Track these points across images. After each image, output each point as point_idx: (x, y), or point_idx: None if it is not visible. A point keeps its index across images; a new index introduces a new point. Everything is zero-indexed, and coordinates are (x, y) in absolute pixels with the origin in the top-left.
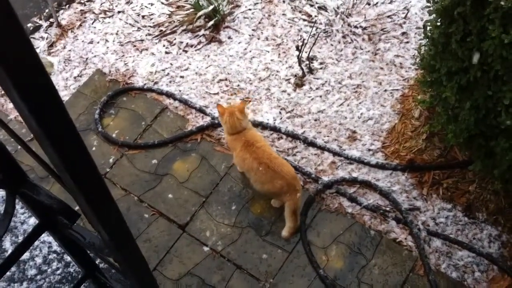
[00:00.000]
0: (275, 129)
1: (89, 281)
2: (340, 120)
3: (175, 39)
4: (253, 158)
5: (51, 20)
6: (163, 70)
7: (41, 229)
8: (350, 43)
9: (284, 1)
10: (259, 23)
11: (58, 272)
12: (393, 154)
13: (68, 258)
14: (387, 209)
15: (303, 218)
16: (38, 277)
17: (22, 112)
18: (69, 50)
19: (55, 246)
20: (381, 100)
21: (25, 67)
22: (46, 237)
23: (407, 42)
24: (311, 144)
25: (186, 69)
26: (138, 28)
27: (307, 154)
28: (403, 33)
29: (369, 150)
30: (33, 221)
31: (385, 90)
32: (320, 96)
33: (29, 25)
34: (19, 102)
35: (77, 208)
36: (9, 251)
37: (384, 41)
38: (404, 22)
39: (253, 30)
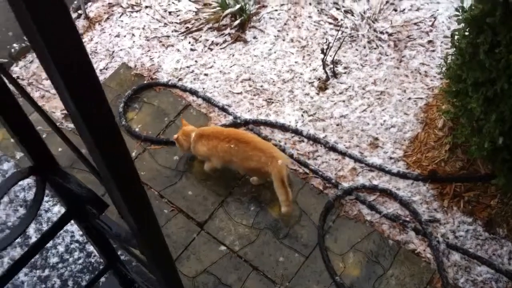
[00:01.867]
0: (296, 132)
1: (109, 272)
2: (363, 126)
3: (200, 36)
4: (220, 141)
5: (79, 12)
6: (187, 67)
7: (68, 218)
8: (375, 48)
9: (310, 4)
10: (285, 24)
11: (80, 261)
12: (415, 164)
13: (90, 248)
14: (407, 219)
15: (321, 223)
16: (60, 265)
17: (67, 105)
18: (96, 43)
19: (78, 235)
20: (405, 108)
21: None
22: (69, 226)
23: (433, 51)
24: (332, 149)
25: (211, 67)
26: (165, 24)
27: (328, 158)
28: (429, 41)
29: (391, 158)
30: (57, 209)
31: (409, 98)
32: (343, 101)
33: None
34: (64, 92)
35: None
36: (33, 238)
37: (409, 48)
38: (431, 30)
39: (278, 31)
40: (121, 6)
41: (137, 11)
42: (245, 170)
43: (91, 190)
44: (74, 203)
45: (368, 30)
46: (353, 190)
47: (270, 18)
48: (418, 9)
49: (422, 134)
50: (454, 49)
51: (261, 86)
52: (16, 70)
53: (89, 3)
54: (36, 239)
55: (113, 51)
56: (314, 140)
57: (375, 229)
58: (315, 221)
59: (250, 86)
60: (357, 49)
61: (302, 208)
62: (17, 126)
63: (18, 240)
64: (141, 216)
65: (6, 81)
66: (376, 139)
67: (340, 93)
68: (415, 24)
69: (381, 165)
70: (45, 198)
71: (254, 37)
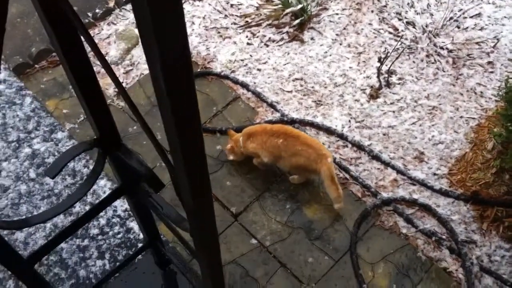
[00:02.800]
0: (341, 137)
1: (147, 250)
2: (410, 139)
3: (258, 31)
4: (269, 136)
5: None
6: (242, 60)
7: (120, 193)
8: (433, 63)
9: (372, 11)
10: (344, 29)
11: (119, 236)
12: (459, 183)
13: (130, 224)
14: (443, 237)
15: (355, 230)
16: (99, 237)
17: (157, 85)
18: None
19: (120, 211)
20: (455, 126)
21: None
22: None
23: (492, 72)
24: (375, 157)
25: (264, 63)
26: (225, 15)
27: (370, 167)
28: (489, 62)
29: (435, 174)
30: (103, 182)
31: (461, 117)
32: (393, 111)
33: None
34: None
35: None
36: (76, 208)
37: (468, 67)
38: (492, 51)
39: (336, 34)
40: None
41: (200, 0)
42: (292, 167)
43: (150, 169)
44: (129, 179)
45: (428, 44)
46: (392, 201)
47: (330, 21)
48: (481, 29)
49: (469, 154)
50: None
51: (312, 87)
52: None
53: None
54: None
55: None
56: (359, 147)
57: (409, 243)
58: (349, 227)
59: (301, 86)
60: (414, 62)
61: (337, 213)
62: (90, 98)
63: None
64: (201, 199)
65: (85, 40)
66: (422, 153)
67: (391, 103)
68: (476, 43)
69: (423, 180)
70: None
71: (312, 38)
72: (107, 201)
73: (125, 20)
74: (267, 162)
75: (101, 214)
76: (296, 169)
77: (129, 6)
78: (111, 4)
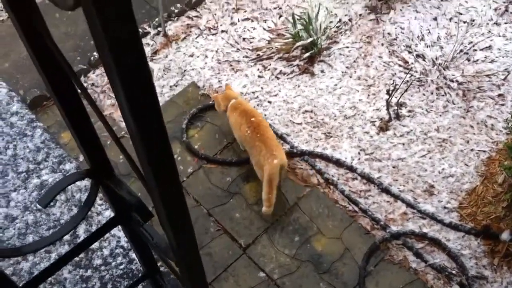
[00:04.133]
0: (351, 169)
1: (147, 281)
2: (420, 172)
3: (270, 64)
4: (244, 123)
5: (159, 29)
6: (253, 92)
7: (114, 222)
8: (443, 95)
9: (383, 44)
10: (354, 61)
11: (121, 267)
12: (469, 217)
13: (132, 255)
14: (453, 272)
15: (364, 264)
16: (102, 267)
17: (123, 110)
18: (170, 60)
19: (123, 241)
20: (466, 159)
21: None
22: (116, 231)
23: (503, 105)
24: (385, 190)
25: (275, 95)
26: (237, 49)
27: (380, 200)
28: (500, 95)
29: (445, 208)
30: (108, 213)
31: (472, 150)
32: (403, 144)
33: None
34: (123, 101)
35: (151, 209)
36: (82, 238)
37: (478, 99)
38: (503, 84)
39: (346, 67)
40: (199, 28)
41: (213, 34)
42: (251, 157)
43: (139, 199)
44: (122, 209)
45: (438, 76)
46: (401, 235)
47: (340, 54)
48: (492, 61)
49: (480, 187)
50: None
51: (322, 119)
52: (92, 77)
53: (169, 22)
54: (82, 239)
55: (185, 70)
56: (368, 179)
57: (418, 277)
58: (358, 261)
59: (311, 118)
60: (424, 94)
61: (346, 245)
62: (80, 130)
63: (68, 238)
64: (180, 230)
65: (77, 88)
66: (432, 186)
67: (401, 136)
68: (487, 76)
69: (433, 214)
70: (99, 202)
71: (322, 71)
72: (102, 231)
73: None
74: (237, 141)
75: (105, 244)
76: (254, 162)
77: (144, 40)
78: None
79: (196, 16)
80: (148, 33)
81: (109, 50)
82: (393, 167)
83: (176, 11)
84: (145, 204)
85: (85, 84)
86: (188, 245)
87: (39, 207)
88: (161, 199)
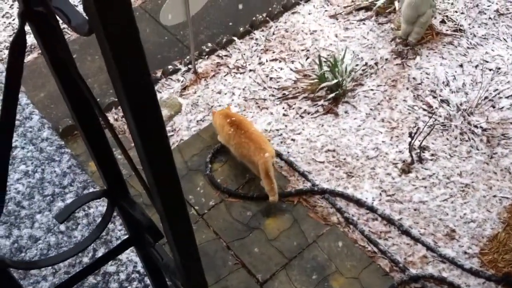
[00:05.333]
0: (371, 209)
1: None
2: (441, 216)
3: (295, 104)
4: (226, 123)
5: (189, 66)
6: (277, 130)
7: (129, 243)
8: (466, 141)
9: (408, 88)
10: (378, 104)
11: None
12: (490, 263)
13: (147, 281)
14: None
15: None
16: None
17: (136, 143)
18: (199, 96)
19: (140, 267)
20: (488, 205)
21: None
22: (133, 256)
23: None
24: (405, 232)
25: (299, 134)
26: (264, 88)
27: (399, 242)
28: None
29: (465, 253)
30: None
31: (494, 196)
32: (425, 187)
33: (169, 66)
34: (133, 129)
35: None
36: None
37: (503, 146)
38: None
39: (370, 109)
40: (228, 67)
41: (241, 73)
42: (238, 155)
43: (150, 219)
44: (135, 229)
45: (462, 122)
46: (420, 278)
47: (365, 96)
48: None
49: (502, 234)
50: None
51: (344, 159)
52: None
53: (200, 60)
54: (95, 259)
55: (212, 106)
56: (389, 220)
57: None
58: None
59: (333, 157)
60: (447, 139)
61: (364, 286)
62: (99, 152)
63: (86, 260)
64: (185, 252)
65: (101, 120)
66: (453, 231)
67: (423, 179)
68: (511, 123)
69: (454, 258)
70: (119, 227)
71: (346, 112)
72: (115, 252)
73: (170, 89)
74: (223, 142)
75: (122, 268)
76: (241, 158)
77: (174, 76)
78: (158, 74)
79: (226, 55)
80: (179, 69)
81: (117, 69)
82: (414, 209)
83: (207, 49)
84: (156, 225)
85: (115, 116)
86: (193, 267)
87: (62, 229)
88: (168, 222)
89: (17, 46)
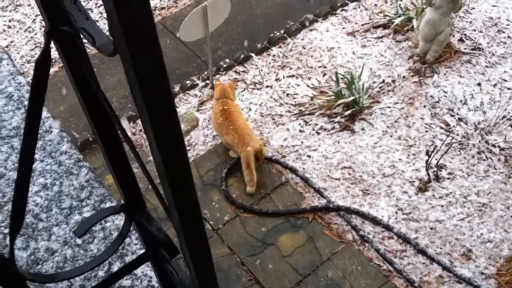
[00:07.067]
0: (387, 228)
1: None
2: (457, 235)
3: (311, 120)
4: (218, 112)
5: (207, 81)
6: (293, 146)
7: (144, 258)
8: (484, 160)
9: (425, 106)
10: (395, 121)
11: None
12: (507, 285)
13: None
14: None
15: None
16: None
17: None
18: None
19: (154, 281)
20: (506, 225)
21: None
22: (149, 271)
23: None
24: (421, 251)
25: (315, 150)
26: (280, 104)
27: (415, 261)
28: None
29: (482, 273)
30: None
31: None
32: (442, 206)
33: (187, 82)
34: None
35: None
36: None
37: None
38: None
39: (387, 127)
40: (245, 83)
41: (258, 89)
42: (225, 142)
43: (167, 235)
44: (151, 244)
45: (479, 141)
46: None
47: (382, 113)
48: None
49: None
50: None
51: (360, 176)
52: (141, 123)
53: (218, 75)
54: (110, 273)
55: None
56: (404, 239)
57: None
58: None
59: (349, 174)
60: (465, 157)
61: None
62: (117, 165)
63: (102, 274)
64: (200, 269)
65: (120, 133)
66: (470, 250)
67: (440, 197)
68: None
69: (470, 279)
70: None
71: (362, 129)
72: (131, 267)
73: (188, 104)
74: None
75: (137, 283)
76: (228, 145)
77: (192, 91)
78: (176, 89)
79: (243, 71)
80: (197, 85)
81: (140, 88)
82: (431, 228)
83: (224, 65)
84: (172, 241)
85: (133, 130)
86: (209, 285)
87: (78, 242)
88: (185, 238)
89: (42, 63)
